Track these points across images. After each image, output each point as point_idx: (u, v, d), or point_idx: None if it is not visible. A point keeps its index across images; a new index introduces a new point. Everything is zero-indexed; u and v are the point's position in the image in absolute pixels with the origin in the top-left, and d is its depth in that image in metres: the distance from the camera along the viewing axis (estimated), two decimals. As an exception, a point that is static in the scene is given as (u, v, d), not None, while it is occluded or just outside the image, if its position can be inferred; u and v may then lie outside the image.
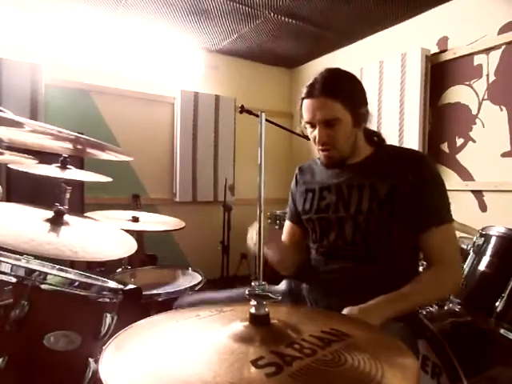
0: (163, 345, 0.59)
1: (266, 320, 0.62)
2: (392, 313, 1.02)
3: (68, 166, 1.39)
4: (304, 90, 1.18)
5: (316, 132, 1.17)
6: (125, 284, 1.14)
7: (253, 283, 0.65)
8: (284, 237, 1.45)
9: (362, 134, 1.24)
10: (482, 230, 1.54)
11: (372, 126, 1.30)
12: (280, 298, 0.66)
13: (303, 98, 1.18)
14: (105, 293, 1.03)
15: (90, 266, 2.18)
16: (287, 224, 1.46)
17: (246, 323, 0.62)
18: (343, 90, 1.15)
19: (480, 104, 2.60)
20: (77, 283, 1.02)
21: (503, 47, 2.47)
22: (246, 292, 0.64)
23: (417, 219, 1.13)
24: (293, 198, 1.42)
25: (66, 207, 1.14)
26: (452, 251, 1.14)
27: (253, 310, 0.63)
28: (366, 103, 1.22)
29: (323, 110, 1.14)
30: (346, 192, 1.21)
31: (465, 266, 1.53)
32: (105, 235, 1.18)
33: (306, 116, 1.19)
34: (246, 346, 0.57)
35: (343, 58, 3.64)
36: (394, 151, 1.26)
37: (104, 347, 0.57)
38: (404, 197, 1.13)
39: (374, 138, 1.29)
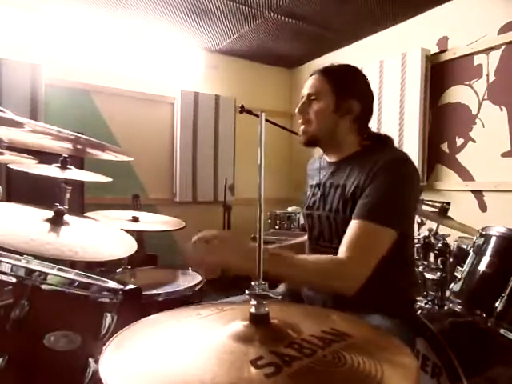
0: (163, 344, 0.59)
1: (266, 319, 0.62)
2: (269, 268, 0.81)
3: (68, 166, 1.39)
4: None
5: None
6: (125, 284, 1.14)
7: (253, 283, 0.65)
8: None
9: (354, 132, 1.22)
10: (482, 229, 1.54)
11: (372, 125, 1.30)
12: (280, 297, 0.66)
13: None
14: (105, 293, 1.03)
15: (90, 266, 2.18)
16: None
17: (246, 323, 0.62)
18: (337, 74, 1.21)
19: (480, 104, 2.60)
20: (77, 283, 1.02)
21: (503, 47, 2.46)
22: (246, 292, 0.64)
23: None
24: None
25: (66, 207, 1.15)
26: (360, 251, 1.02)
27: (253, 310, 0.63)
28: (362, 102, 1.20)
29: (311, 85, 1.21)
30: (327, 190, 1.23)
31: (465, 266, 1.53)
32: (105, 235, 1.18)
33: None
34: (246, 346, 0.57)
35: (343, 58, 3.60)
36: (375, 152, 1.17)
37: (104, 347, 0.57)
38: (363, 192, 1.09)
39: (368, 139, 1.27)
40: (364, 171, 1.11)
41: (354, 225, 1.05)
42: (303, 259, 1.06)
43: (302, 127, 1.24)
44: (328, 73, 1.20)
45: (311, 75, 1.24)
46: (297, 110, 1.23)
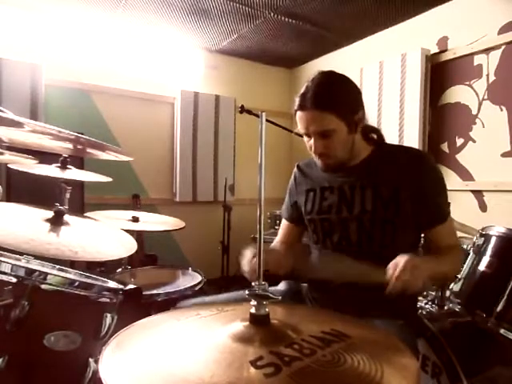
0: (163, 344, 0.60)
1: (266, 320, 0.62)
2: (431, 273, 1.03)
3: (68, 166, 1.39)
4: (296, 101, 1.15)
5: (312, 142, 1.17)
6: (125, 284, 1.14)
7: (253, 283, 0.65)
8: (280, 236, 1.43)
9: (360, 135, 1.23)
10: (482, 229, 1.54)
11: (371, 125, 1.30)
12: (280, 298, 0.66)
13: (296, 110, 1.16)
14: (105, 293, 1.03)
15: (90, 266, 2.18)
16: (284, 223, 1.44)
17: (246, 323, 0.62)
18: (336, 99, 1.12)
19: (480, 104, 2.60)
20: (77, 283, 1.03)
21: (503, 47, 2.46)
22: (246, 292, 0.64)
23: (421, 218, 1.16)
24: (291, 196, 1.41)
25: (66, 207, 1.15)
26: (456, 239, 1.24)
27: (253, 310, 0.63)
28: (362, 107, 1.19)
29: (316, 122, 1.12)
30: (348, 193, 1.21)
31: (465, 266, 1.53)
32: (105, 235, 1.18)
33: (300, 127, 1.17)
34: (246, 346, 0.57)
35: (343, 58, 3.64)
36: (394, 151, 1.24)
37: (104, 347, 0.57)
38: (407, 198, 1.14)
39: (373, 136, 1.28)
40: (398, 174, 1.15)
41: (441, 229, 1.17)
42: (442, 258, 1.13)
43: (323, 161, 1.20)
44: (324, 104, 1.11)
45: (304, 109, 1.13)
46: (314, 150, 1.17)
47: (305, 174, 1.37)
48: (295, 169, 1.42)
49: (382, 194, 1.15)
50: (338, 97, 1.14)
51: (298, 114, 1.16)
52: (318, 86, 1.13)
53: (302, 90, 1.15)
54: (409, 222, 1.16)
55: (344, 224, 1.20)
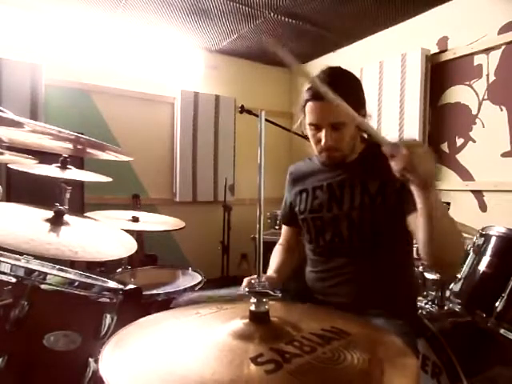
0: (163, 342, 0.60)
1: (266, 317, 0.62)
2: (435, 200, 0.91)
3: (68, 166, 1.39)
4: (309, 92, 1.15)
5: (322, 134, 1.15)
6: (125, 284, 1.14)
7: (253, 281, 0.65)
8: (281, 238, 1.48)
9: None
10: (482, 229, 1.54)
11: (372, 125, 1.30)
12: (280, 295, 0.66)
13: (308, 100, 1.15)
14: (105, 293, 1.03)
15: (90, 266, 2.18)
16: (284, 228, 1.49)
17: (246, 320, 0.62)
18: (350, 91, 1.13)
19: (480, 104, 2.60)
20: (77, 283, 1.03)
21: (503, 47, 2.46)
22: (246, 289, 0.64)
23: (404, 206, 1.10)
24: (286, 201, 1.44)
25: (66, 207, 1.15)
26: None
27: (253, 308, 0.63)
28: (364, 103, 1.21)
29: (331, 113, 1.12)
30: (337, 191, 1.22)
31: (465, 266, 1.53)
32: (105, 235, 1.18)
33: (311, 118, 1.16)
34: (246, 344, 0.57)
35: (343, 58, 3.64)
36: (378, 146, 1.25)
37: (104, 345, 0.57)
38: (393, 190, 1.13)
39: (363, 135, 1.29)
40: (385, 168, 1.06)
41: None
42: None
43: (328, 154, 1.19)
44: (343, 95, 1.04)
45: (319, 99, 1.11)
46: (324, 142, 1.15)
47: (297, 175, 1.39)
48: (288, 173, 1.45)
49: (369, 190, 1.16)
50: (352, 89, 1.16)
51: (311, 104, 1.15)
52: (334, 77, 1.13)
53: None
54: (396, 214, 1.13)
55: (335, 221, 1.21)
